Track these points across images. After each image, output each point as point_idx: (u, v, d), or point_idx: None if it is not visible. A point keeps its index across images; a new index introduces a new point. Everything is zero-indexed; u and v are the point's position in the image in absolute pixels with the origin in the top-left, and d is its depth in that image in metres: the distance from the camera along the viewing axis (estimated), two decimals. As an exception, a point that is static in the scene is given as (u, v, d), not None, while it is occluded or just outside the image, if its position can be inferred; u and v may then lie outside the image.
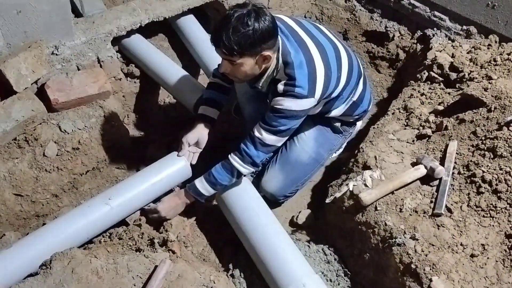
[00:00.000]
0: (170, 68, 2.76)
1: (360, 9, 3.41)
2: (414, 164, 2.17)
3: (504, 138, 2.07)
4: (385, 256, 2.00)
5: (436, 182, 2.09)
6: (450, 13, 2.90)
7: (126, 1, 2.94)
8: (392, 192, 2.08)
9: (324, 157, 2.53)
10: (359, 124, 2.75)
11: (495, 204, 1.94)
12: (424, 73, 2.73)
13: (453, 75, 2.59)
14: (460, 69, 2.58)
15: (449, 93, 2.52)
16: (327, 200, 2.29)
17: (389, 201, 2.07)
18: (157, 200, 2.34)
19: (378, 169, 2.20)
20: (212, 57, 2.81)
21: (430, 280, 1.79)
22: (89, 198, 2.32)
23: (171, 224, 2.16)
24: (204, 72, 2.94)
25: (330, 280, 2.12)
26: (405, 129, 2.43)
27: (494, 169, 2.01)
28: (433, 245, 1.89)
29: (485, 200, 1.97)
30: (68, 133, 2.31)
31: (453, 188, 2.06)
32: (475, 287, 1.79)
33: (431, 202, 2.03)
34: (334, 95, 2.22)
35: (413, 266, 1.86)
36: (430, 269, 1.83)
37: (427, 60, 2.77)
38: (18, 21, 2.23)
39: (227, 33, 1.85)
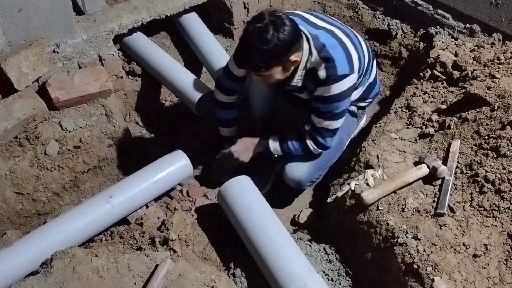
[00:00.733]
0: (172, 66, 2.75)
1: (362, 7, 3.39)
2: (416, 164, 2.17)
3: (507, 137, 2.06)
4: (387, 256, 1.99)
5: (438, 182, 2.09)
6: (453, 11, 2.88)
7: (128, -1, 2.93)
8: (394, 192, 2.08)
9: (344, 141, 2.52)
10: (363, 122, 2.74)
11: (498, 204, 1.94)
12: (427, 72, 2.71)
13: (456, 74, 2.58)
14: (463, 68, 2.56)
15: (452, 92, 2.50)
16: (329, 200, 2.29)
17: (391, 200, 2.07)
18: (158, 199, 2.37)
19: (380, 168, 2.19)
20: (214, 55, 2.82)
21: (432, 280, 1.79)
22: (90, 197, 2.31)
23: (172, 223, 2.13)
24: (207, 70, 2.93)
25: (332, 280, 2.11)
26: (407, 128, 2.42)
27: (497, 169, 2.00)
28: (435, 245, 1.89)
29: (488, 200, 1.96)
30: (69, 132, 2.30)
31: (455, 188, 2.05)
32: (477, 287, 1.78)
33: (434, 201, 2.03)
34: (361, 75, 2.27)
35: (415, 266, 1.86)
36: (432, 269, 1.83)
37: (430, 58, 2.76)
38: (19, 19, 2.23)
39: (249, 53, 1.91)
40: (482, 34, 2.78)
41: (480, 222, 1.93)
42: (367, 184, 2.14)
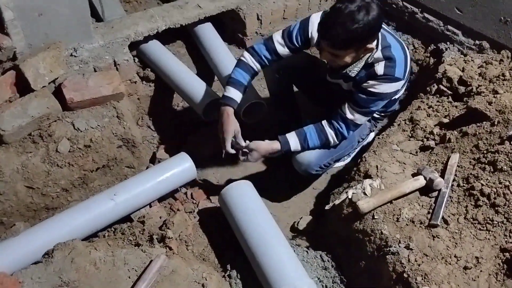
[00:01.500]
0: (184, 73, 2.81)
1: None
2: (414, 175, 2.18)
3: (505, 152, 2.06)
4: (379, 265, 2.01)
5: (435, 194, 2.10)
6: (463, 27, 2.89)
7: (146, 8, 3.04)
8: (391, 202, 2.10)
9: (356, 139, 2.53)
10: (372, 136, 2.77)
11: (492, 218, 1.94)
12: (434, 86, 2.73)
13: (462, 89, 2.59)
14: (468, 83, 2.57)
15: (456, 107, 2.52)
16: (327, 207, 2.31)
17: (387, 210, 2.09)
18: (162, 199, 2.43)
19: (379, 178, 2.22)
20: (225, 65, 2.86)
21: (421, 289, 1.79)
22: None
23: (173, 223, 2.20)
24: (218, 79, 2.99)
25: (326, 287, 2.13)
26: (409, 140, 2.44)
27: (494, 183, 2.01)
28: (427, 255, 1.90)
29: (482, 213, 1.97)
30: (81, 131, 2.38)
31: (451, 200, 2.07)
32: (466, 299, 1.79)
33: (429, 213, 2.04)
34: None
35: (405, 275, 1.87)
36: (422, 279, 1.84)
37: (438, 73, 2.77)
38: (39, 23, 2.33)
39: (335, 28, 1.90)
40: (491, 51, 2.78)
41: (473, 235, 1.94)
42: (364, 193, 2.16)
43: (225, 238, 2.31)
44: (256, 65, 2.36)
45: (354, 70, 2.17)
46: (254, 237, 2.08)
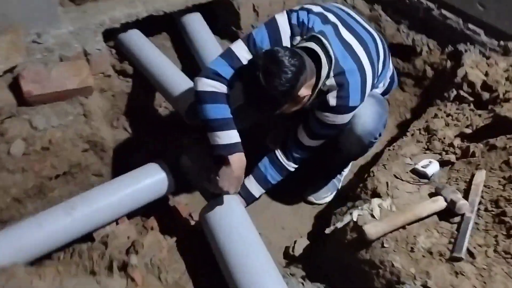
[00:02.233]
0: (165, 68, 2.55)
1: (386, 20, 3.17)
2: (432, 195, 1.92)
3: (543, 170, 1.77)
4: (389, 304, 1.72)
5: (457, 219, 1.83)
6: (486, 26, 2.64)
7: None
8: (404, 227, 1.83)
9: (386, 110, 2.22)
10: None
11: (529, 252, 1.65)
12: (452, 92, 2.52)
13: (486, 95, 2.38)
14: (494, 89, 2.36)
15: (479, 115, 2.30)
16: (327, 231, 2.05)
17: (399, 237, 1.81)
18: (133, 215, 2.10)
19: (389, 197, 1.97)
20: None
21: None
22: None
23: (143, 245, 1.88)
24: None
25: (324, 326, 1.84)
26: (425, 153, 2.20)
27: (530, 208, 1.72)
28: (448, 296, 1.61)
29: (516, 246, 1.68)
30: (39, 130, 2.10)
31: (477, 228, 1.79)
32: None
33: (450, 243, 1.76)
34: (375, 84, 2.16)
35: (422, 320, 1.58)
36: (443, 327, 1.53)
37: (457, 77, 2.55)
38: (-5, 1, 2.07)
39: (258, 106, 1.87)
40: (518, 53, 2.52)
41: (506, 272, 1.63)
42: (372, 216, 1.89)
43: (207, 262, 1.99)
44: (221, 86, 1.95)
45: (309, 103, 2.00)
46: (237, 265, 1.78)
